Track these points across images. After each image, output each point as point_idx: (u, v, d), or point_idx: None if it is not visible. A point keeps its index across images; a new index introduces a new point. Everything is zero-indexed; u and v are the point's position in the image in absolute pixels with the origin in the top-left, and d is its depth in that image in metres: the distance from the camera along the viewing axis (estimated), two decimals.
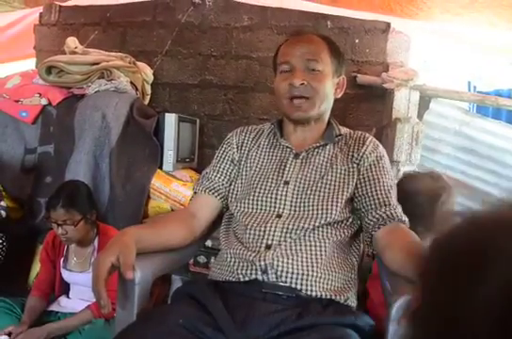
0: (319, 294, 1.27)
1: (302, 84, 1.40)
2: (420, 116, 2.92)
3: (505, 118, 3.10)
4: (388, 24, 2.86)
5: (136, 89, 2.97)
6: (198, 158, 3.10)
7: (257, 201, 1.41)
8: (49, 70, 2.75)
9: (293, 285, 1.27)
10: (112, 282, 1.88)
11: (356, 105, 2.94)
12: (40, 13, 3.51)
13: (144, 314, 1.25)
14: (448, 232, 0.53)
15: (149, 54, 3.30)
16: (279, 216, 1.37)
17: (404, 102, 2.75)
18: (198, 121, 3.08)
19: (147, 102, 3.18)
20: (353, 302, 1.34)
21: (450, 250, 0.51)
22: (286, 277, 1.27)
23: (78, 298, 2.10)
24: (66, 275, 2.07)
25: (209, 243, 2.23)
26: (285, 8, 3.01)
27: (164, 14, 3.28)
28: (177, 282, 1.53)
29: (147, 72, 3.11)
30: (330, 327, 1.15)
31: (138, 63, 3.09)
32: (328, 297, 1.27)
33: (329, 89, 1.47)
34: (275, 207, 1.39)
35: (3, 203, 2.48)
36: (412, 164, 2.61)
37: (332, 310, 1.24)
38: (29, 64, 3.83)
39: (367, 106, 2.93)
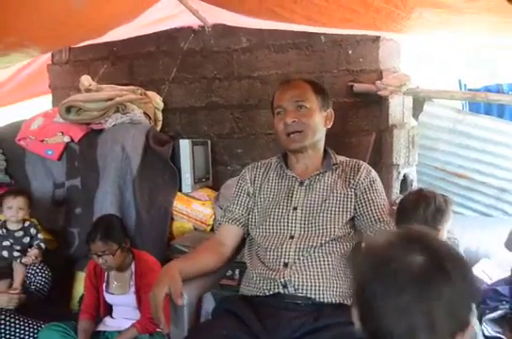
0: (330, 300, 1.56)
1: (294, 121, 1.70)
2: (415, 116, 3.10)
3: (497, 112, 3.25)
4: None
5: (150, 118, 3.20)
6: (212, 176, 3.33)
7: (272, 225, 1.70)
8: (68, 109, 2.98)
9: (308, 295, 1.55)
10: None
11: (355, 113, 3.10)
12: (52, 53, 3.75)
13: (194, 330, 1.54)
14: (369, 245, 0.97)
15: (156, 82, 3.52)
16: (291, 237, 1.66)
17: (399, 108, 2.93)
18: (209, 142, 3.31)
19: (159, 127, 3.40)
20: None
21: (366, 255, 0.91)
22: (302, 289, 1.56)
23: (121, 317, 2.32)
24: (109, 298, 2.31)
25: None
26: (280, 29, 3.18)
27: (167, 43, 3.49)
28: (207, 296, 1.76)
29: (157, 100, 3.34)
30: (342, 326, 1.40)
31: (148, 93, 3.32)
32: (339, 301, 1.56)
33: (319, 122, 1.74)
34: (288, 230, 1.68)
35: (40, 236, 2.70)
36: (411, 165, 2.79)
37: (342, 312, 1.47)
38: (45, 101, 4.09)
39: (365, 113, 3.08)
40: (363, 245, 1.12)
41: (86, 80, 3.20)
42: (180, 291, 1.46)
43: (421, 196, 1.87)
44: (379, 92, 2.91)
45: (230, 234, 1.80)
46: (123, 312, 2.31)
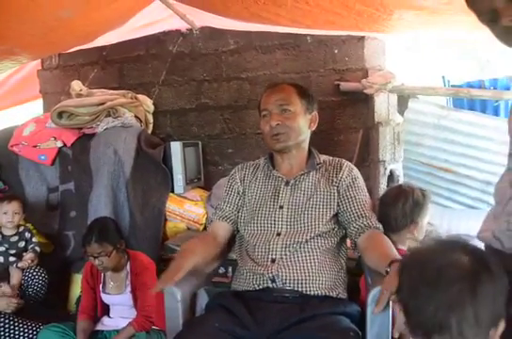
0: (316, 292, 1.64)
1: (278, 124, 1.77)
2: (401, 113, 3.18)
3: (480, 107, 3.34)
4: None
5: (141, 121, 3.25)
6: (204, 176, 3.39)
7: (260, 223, 1.78)
8: (60, 114, 3.03)
9: (295, 288, 1.64)
10: (151, 299, 2.18)
11: (342, 111, 3.17)
12: (42, 59, 3.79)
13: (188, 323, 1.62)
14: (414, 251, 1.05)
15: (146, 85, 3.58)
16: (278, 234, 1.74)
17: (384, 105, 3.00)
18: (200, 143, 3.36)
19: (150, 130, 3.45)
20: (343, 295, 1.70)
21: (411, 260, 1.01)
22: (290, 283, 1.65)
23: (118, 316, 2.37)
24: (106, 298, 2.35)
25: None
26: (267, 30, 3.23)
27: (156, 47, 3.54)
28: (201, 292, 1.82)
29: (147, 103, 3.39)
30: (326, 315, 1.51)
31: (139, 96, 3.37)
32: (323, 293, 1.65)
33: (303, 124, 1.82)
34: (274, 227, 1.76)
35: (35, 240, 2.75)
36: (396, 161, 2.86)
37: (327, 303, 1.60)
38: (36, 106, 4.13)
39: (352, 111, 3.15)
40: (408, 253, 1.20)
41: (76, 85, 3.25)
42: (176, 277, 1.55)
43: (400, 191, 1.97)
44: (365, 90, 2.97)
45: (221, 231, 1.87)
46: (120, 311, 2.36)
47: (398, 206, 1.89)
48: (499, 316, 0.89)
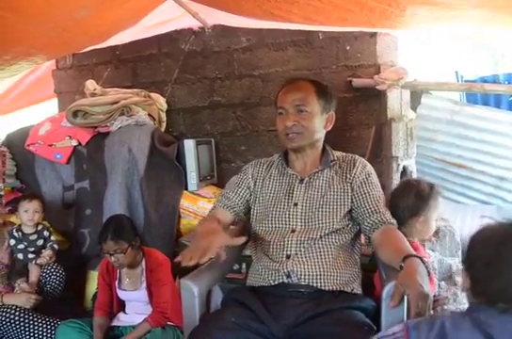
0: (331, 287, 1.65)
1: (294, 125, 1.77)
2: (414, 109, 3.16)
3: (494, 102, 3.31)
4: None
5: (154, 119, 3.28)
6: (217, 174, 3.41)
7: (274, 221, 1.80)
8: (75, 113, 3.07)
9: (310, 284, 1.65)
10: (166, 295, 2.21)
11: (355, 107, 3.17)
12: (56, 59, 3.83)
13: (204, 318, 1.64)
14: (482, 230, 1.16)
15: (159, 83, 3.60)
16: (293, 231, 1.75)
17: (397, 101, 2.99)
18: (212, 140, 3.38)
19: (164, 128, 3.48)
20: (358, 290, 1.71)
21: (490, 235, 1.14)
22: (305, 278, 1.66)
23: (134, 312, 2.41)
24: (121, 294, 2.39)
25: None
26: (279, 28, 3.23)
27: (168, 46, 3.57)
28: (216, 289, 1.84)
29: (161, 101, 3.42)
30: (341, 310, 1.53)
31: (152, 94, 3.40)
32: (338, 289, 1.66)
33: (319, 124, 1.81)
34: (289, 224, 1.77)
35: (53, 238, 2.80)
36: (410, 157, 2.86)
37: (342, 298, 1.62)
38: (51, 105, 4.17)
39: (365, 107, 3.14)
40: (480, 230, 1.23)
41: (90, 84, 3.29)
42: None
43: (406, 184, 2.03)
44: (378, 87, 2.96)
45: (223, 218, 1.86)
46: (136, 307, 2.40)
47: (404, 199, 1.94)
48: None
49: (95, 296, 2.60)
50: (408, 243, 1.60)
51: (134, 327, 2.29)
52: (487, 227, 1.17)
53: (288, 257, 1.69)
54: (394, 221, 1.74)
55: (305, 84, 1.83)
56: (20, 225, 2.73)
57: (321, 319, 1.49)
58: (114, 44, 3.52)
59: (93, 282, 2.78)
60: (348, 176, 1.81)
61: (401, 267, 1.40)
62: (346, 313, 1.52)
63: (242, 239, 1.69)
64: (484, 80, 3.29)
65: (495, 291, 1.05)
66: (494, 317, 1.04)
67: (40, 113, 4.35)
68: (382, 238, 1.68)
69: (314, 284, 1.64)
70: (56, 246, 2.77)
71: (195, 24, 3.40)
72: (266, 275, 1.71)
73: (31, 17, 1.98)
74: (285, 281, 1.66)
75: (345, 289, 1.66)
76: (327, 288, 1.64)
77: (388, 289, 1.43)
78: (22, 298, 2.46)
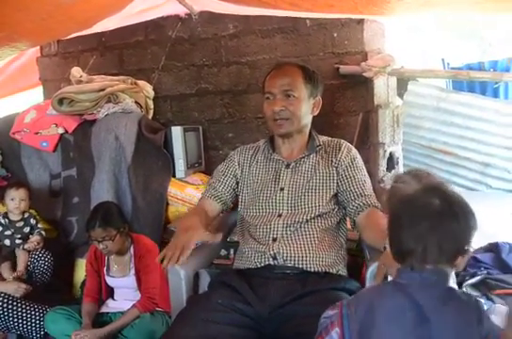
0: (316, 269, 1.69)
1: (281, 109, 1.77)
2: (400, 95, 3.18)
3: (479, 89, 3.34)
4: None
5: (141, 107, 3.26)
6: (205, 161, 3.40)
7: (261, 205, 1.82)
8: (61, 101, 3.04)
9: (296, 265, 1.68)
10: (154, 281, 2.22)
11: (342, 94, 3.16)
12: (41, 46, 3.78)
13: (191, 300, 1.66)
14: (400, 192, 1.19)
15: (146, 71, 3.57)
16: (279, 215, 1.78)
17: (383, 88, 2.99)
18: (200, 128, 3.38)
19: (151, 115, 3.46)
20: (343, 272, 1.75)
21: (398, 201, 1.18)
22: (291, 260, 1.69)
23: (123, 298, 2.43)
24: (110, 281, 2.40)
25: None
26: (266, 14, 3.21)
27: (155, 32, 3.53)
28: (203, 274, 1.85)
29: (147, 88, 3.40)
30: (326, 291, 1.56)
31: (139, 82, 3.37)
32: (324, 270, 1.69)
33: (306, 110, 1.82)
34: (276, 209, 1.79)
35: (40, 226, 2.80)
36: (396, 144, 2.87)
37: (327, 279, 1.65)
38: (36, 93, 4.13)
39: (352, 94, 3.14)
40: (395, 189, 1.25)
41: (76, 71, 3.26)
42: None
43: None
44: (364, 74, 2.96)
45: (210, 208, 1.91)
46: (124, 294, 2.41)
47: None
48: (463, 249, 1.09)
49: (83, 284, 2.61)
50: None
51: (122, 313, 2.31)
52: (399, 191, 1.22)
53: (274, 240, 1.71)
54: (379, 205, 1.77)
55: (292, 68, 1.83)
56: (6, 212, 2.72)
57: (306, 300, 1.52)
58: (100, 31, 3.48)
59: (81, 271, 2.78)
60: (334, 160, 1.83)
61: (385, 248, 1.43)
62: (331, 293, 1.55)
63: (219, 236, 1.77)
64: (469, 67, 3.31)
65: (402, 248, 1.12)
66: (410, 277, 1.10)
67: (26, 101, 4.29)
68: (366, 221, 1.72)
69: (300, 266, 1.67)
70: (43, 232, 2.77)
71: (182, 11, 3.36)
72: (253, 257, 1.73)
73: (12, 1, 1.95)
74: (271, 263, 1.68)
75: (331, 271, 1.69)
76: (312, 269, 1.67)
77: (371, 269, 1.47)
78: (12, 286, 2.46)
